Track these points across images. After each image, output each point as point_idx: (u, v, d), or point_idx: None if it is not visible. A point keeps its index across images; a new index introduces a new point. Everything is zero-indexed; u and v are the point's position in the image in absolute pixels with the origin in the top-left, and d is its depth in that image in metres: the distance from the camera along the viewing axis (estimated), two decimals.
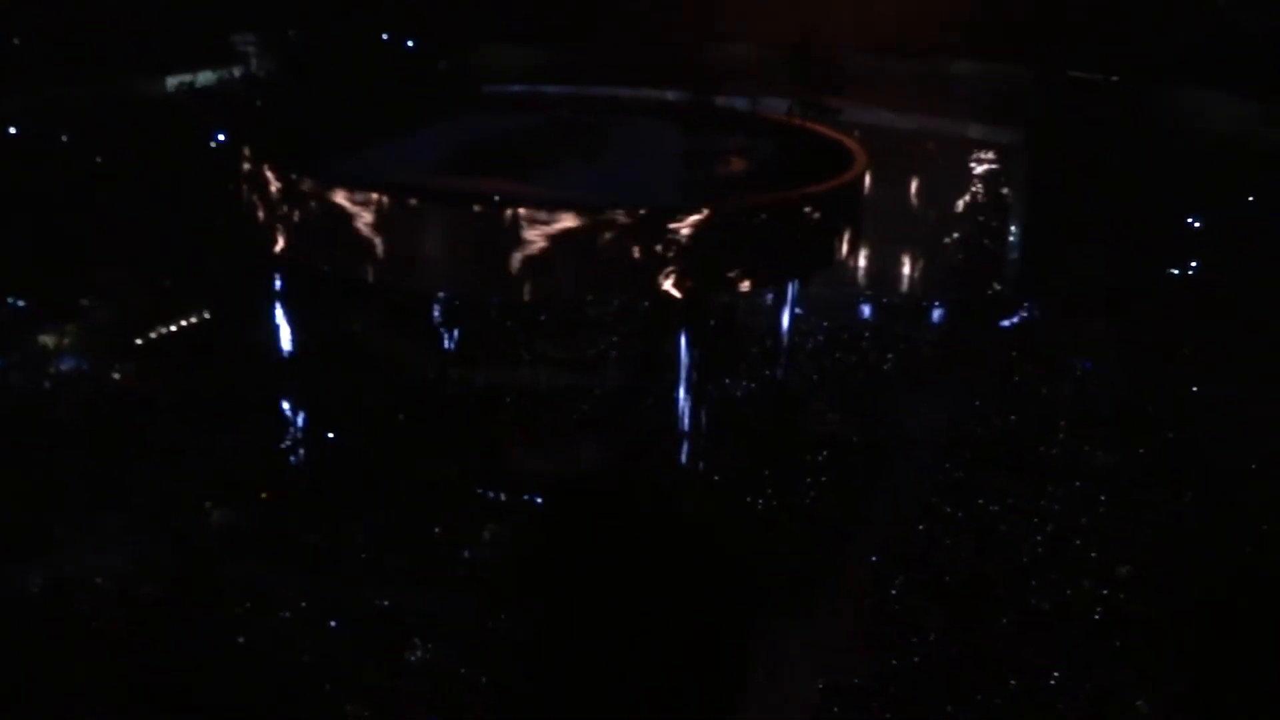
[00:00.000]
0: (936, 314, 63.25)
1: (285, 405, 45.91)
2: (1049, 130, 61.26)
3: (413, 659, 35.10)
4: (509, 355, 53.75)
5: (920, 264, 66.17)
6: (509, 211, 38.74)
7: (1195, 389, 51.77)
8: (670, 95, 56.10)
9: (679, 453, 42.25)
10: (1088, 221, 59.18)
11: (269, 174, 42.56)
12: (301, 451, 45.44)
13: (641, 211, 39.19)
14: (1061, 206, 59.74)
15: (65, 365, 51.01)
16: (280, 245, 42.98)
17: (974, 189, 64.84)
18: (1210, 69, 59.74)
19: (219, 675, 33.65)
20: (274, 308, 45.65)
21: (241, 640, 35.48)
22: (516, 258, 38.76)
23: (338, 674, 34.19)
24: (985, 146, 64.03)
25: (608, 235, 38.61)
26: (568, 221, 38.91)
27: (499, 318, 56.20)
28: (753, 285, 47.74)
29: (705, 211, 39.02)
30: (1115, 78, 63.41)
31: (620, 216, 38.75)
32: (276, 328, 45.61)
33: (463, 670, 34.47)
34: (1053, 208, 60.53)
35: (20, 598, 36.97)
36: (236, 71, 65.80)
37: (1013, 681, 34.60)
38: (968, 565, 40.42)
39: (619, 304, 52.23)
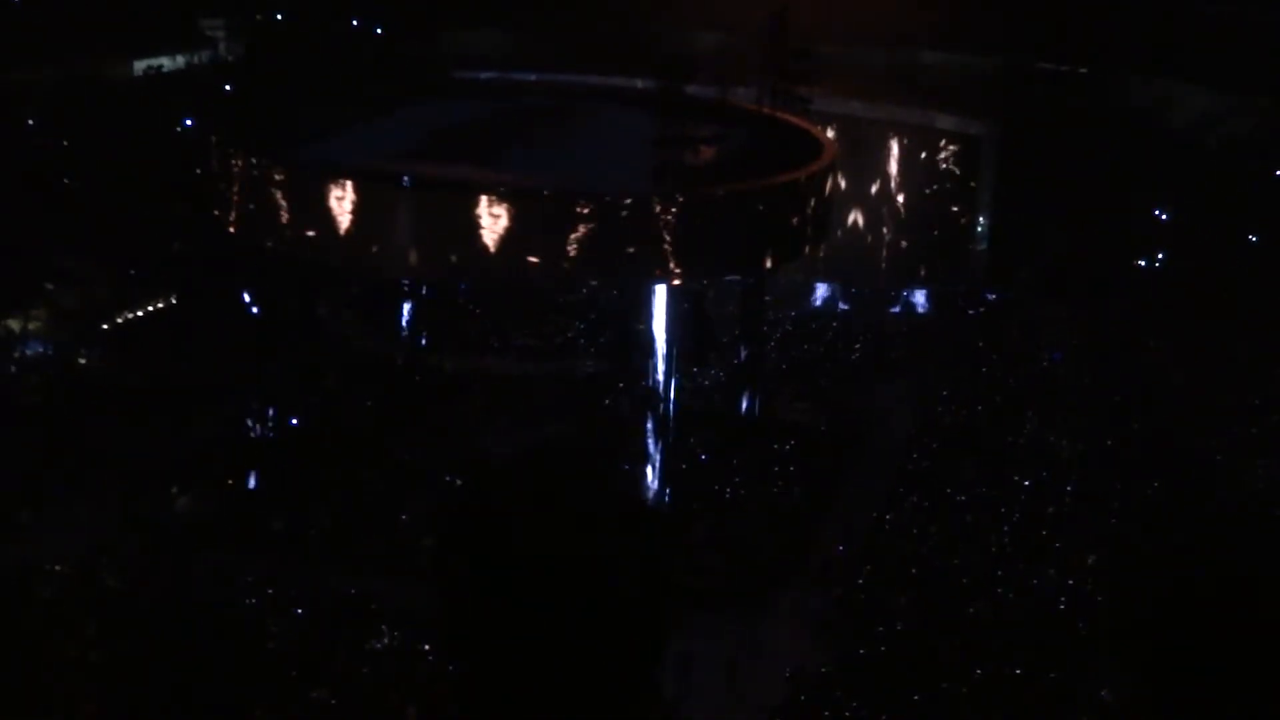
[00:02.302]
0: (904, 303, 63.35)
1: (251, 391, 45.70)
2: (1017, 121, 61.36)
3: (380, 646, 35.02)
4: (477, 342, 53.65)
5: (888, 253, 66.20)
6: (475, 196, 38.62)
7: (1161, 379, 51.95)
8: (639, 83, 55.98)
9: (647, 441, 42.18)
10: (1056, 212, 59.34)
11: (236, 159, 42.36)
12: (268, 438, 45.24)
13: (609, 198, 39.12)
14: (1030, 197, 59.90)
15: (30, 350, 50.72)
16: (247, 230, 42.79)
17: (942, 179, 64.84)
18: (1179, 60, 59.94)
19: (184, 662, 33.48)
20: (241, 293, 45.44)
21: (207, 627, 35.32)
22: (483, 243, 38.64)
23: (304, 660, 34.10)
24: (954, 137, 64.06)
25: (575, 222, 38.52)
26: (535, 207, 38.84)
27: (467, 304, 56.07)
28: (721, 274, 47.82)
29: (673, 199, 38.96)
30: (1084, 69, 63.57)
31: (587, 203, 38.67)
32: (243, 313, 45.40)
33: (430, 657, 34.38)
34: (1021, 198, 60.67)
35: None
36: (204, 56, 65.52)
37: (978, 670, 34.67)
38: (934, 554, 40.49)
39: (587, 291, 52.15)
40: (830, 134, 50.39)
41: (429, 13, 67.38)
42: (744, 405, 49.38)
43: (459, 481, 42.14)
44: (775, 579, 39.68)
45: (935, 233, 65.01)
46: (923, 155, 64.87)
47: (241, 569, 38.16)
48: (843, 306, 63.21)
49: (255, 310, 45.37)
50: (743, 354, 50.26)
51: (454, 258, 40.37)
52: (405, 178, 41.18)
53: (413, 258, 41.20)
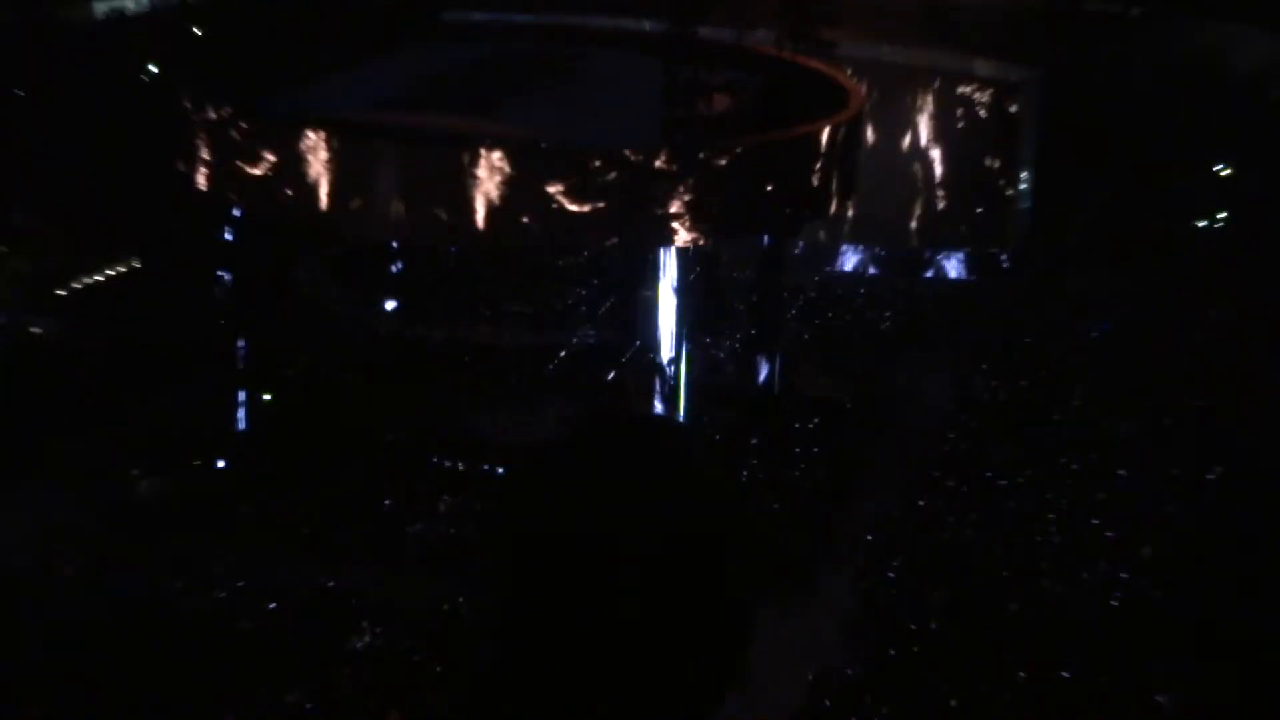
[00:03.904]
0: (939, 268, 62.99)
1: (220, 364, 45.43)
2: (1064, 67, 60.81)
3: (361, 644, 34.78)
4: (467, 309, 53.30)
5: (921, 212, 65.68)
6: (468, 150, 38.21)
7: (1222, 351, 51.51)
8: (648, 25, 55.48)
9: (654, 419, 41.75)
10: (1106, 167, 58.81)
11: (204, 109, 41.97)
12: (239, 414, 44.99)
13: (614, 152, 38.69)
14: (1077, 150, 59.32)
15: None
16: (216, 188, 42.41)
17: (981, 130, 64.27)
18: (1239, 1, 59.38)
19: (147, 659, 33.28)
20: (209, 257, 45.14)
21: (172, 621, 35.10)
22: (476, 201, 38.25)
23: (278, 660, 33.88)
24: (994, 84, 63.47)
25: (577, 177, 38.12)
26: (534, 161, 38.41)
27: (457, 269, 55.73)
28: (737, 235, 47.46)
29: (684, 153, 38.52)
30: (1136, 10, 62.94)
31: (591, 157, 38.26)
32: (212, 278, 45.11)
33: (416, 657, 34.19)
34: (1068, 151, 60.11)
35: None
36: None
37: (1021, 674, 34.29)
38: (972, 545, 40.11)
39: (589, 254, 51.80)
40: (857, 81, 49.87)
41: None
42: (762, 379, 48.99)
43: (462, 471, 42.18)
44: (796, 571, 39.32)
45: (973, 190, 64.50)
46: (959, 104, 64.32)
47: (209, 558, 37.90)
48: (871, 271, 62.93)
49: (225, 276, 45.06)
50: (761, 323, 49.89)
51: (443, 218, 39.99)
52: (390, 129, 40.87)
53: (398, 218, 40.83)
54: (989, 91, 64.17)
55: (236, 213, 43.60)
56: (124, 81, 58.44)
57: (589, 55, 51.23)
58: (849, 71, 49.99)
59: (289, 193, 40.17)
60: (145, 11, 64.72)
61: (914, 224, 66.04)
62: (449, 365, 49.16)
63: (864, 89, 48.19)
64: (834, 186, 44.16)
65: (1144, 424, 46.96)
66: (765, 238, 48.50)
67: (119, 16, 64.04)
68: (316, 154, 39.45)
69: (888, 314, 57.13)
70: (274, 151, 40.57)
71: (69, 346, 49.28)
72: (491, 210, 38.47)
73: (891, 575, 38.96)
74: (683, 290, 41.92)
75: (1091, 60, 60.29)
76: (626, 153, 38.85)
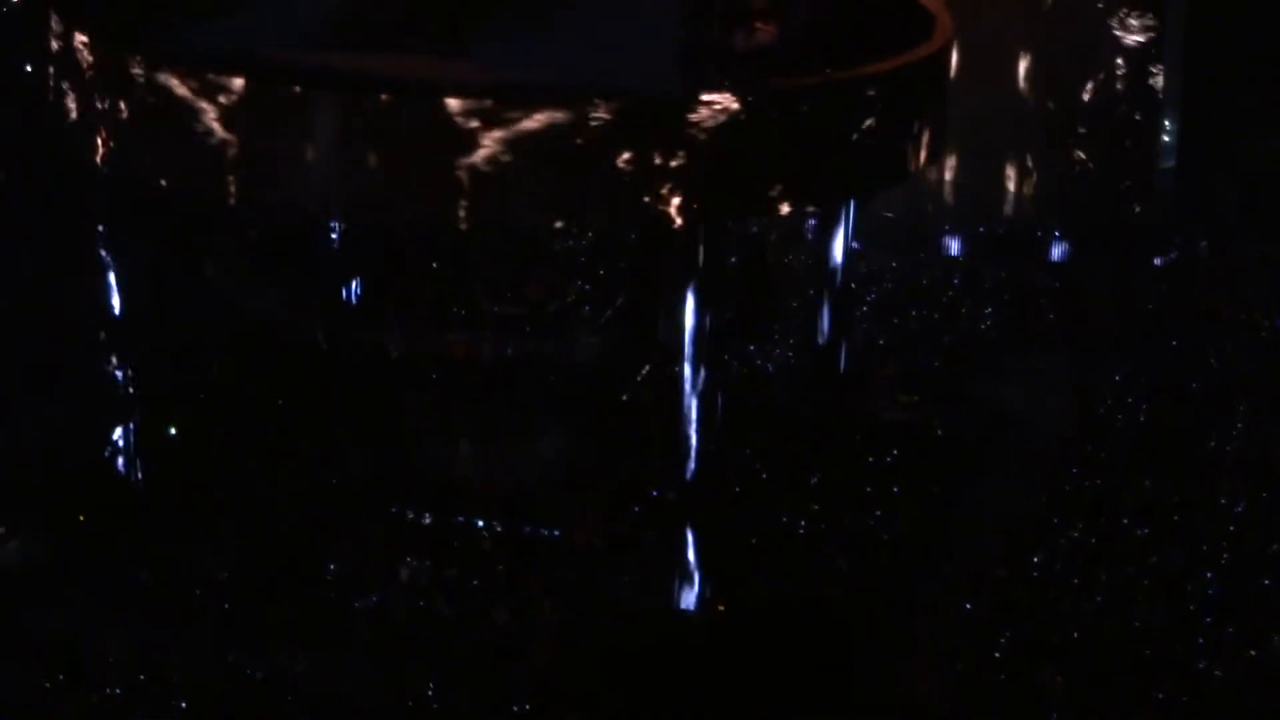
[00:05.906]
0: (1056, 249, 63.18)
1: (111, 383, 45.67)
2: None
3: None
4: (434, 311, 53.57)
5: (1032, 176, 65.96)
6: (429, 100, 38.48)
7: None
8: None
9: (684, 453, 42.06)
10: (1274, 112, 58.97)
11: (85, 51, 42.27)
12: (134, 450, 45.21)
13: (625, 100, 38.94)
14: (1237, 88, 59.52)
15: None
16: (102, 153, 42.73)
17: (1111, 66, 64.56)
18: None
19: None
20: (95, 244, 45.39)
21: None
22: (444, 169, 38.53)
23: None
24: (1127, 3, 63.77)
25: (576, 135, 38.37)
26: (517, 115, 38.67)
27: (420, 257, 56.02)
28: (789, 208, 47.63)
29: (718, 100, 38.77)
30: None
31: (594, 108, 38.49)
32: (99, 272, 45.37)
33: None
34: (1225, 90, 60.31)
35: None
36: None
37: None
38: (1103, 614, 40.26)
39: (593, 237, 51.97)
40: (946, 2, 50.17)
41: None
42: (823, 399, 49.22)
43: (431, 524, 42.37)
44: (875, 650, 39.52)
45: (1100, 143, 64.75)
46: (1083, 31, 64.56)
47: (96, 640, 38.12)
48: (966, 254, 63.05)
49: (113, 268, 45.31)
50: (822, 324, 50.16)
51: (400, 191, 40.31)
52: (325, 74, 41.13)
53: (338, 191, 41.15)
54: (1121, 12, 64.49)
55: (126, 186, 43.74)
56: None
57: None
58: None
59: (196, 158, 40.46)
60: None
61: (1022, 191, 66.32)
62: (411, 384, 49.39)
63: (953, 14, 48.38)
64: (915, 143, 44.45)
65: None
66: (825, 212, 48.73)
67: None
68: (231, 107, 39.72)
69: (988, 310, 57.36)
70: (175, 105, 40.87)
71: None
72: (461, 179, 38.72)
73: (998, 655, 39.14)
74: (716, 282, 42.11)
75: None
76: (640, 101, 39.11)
